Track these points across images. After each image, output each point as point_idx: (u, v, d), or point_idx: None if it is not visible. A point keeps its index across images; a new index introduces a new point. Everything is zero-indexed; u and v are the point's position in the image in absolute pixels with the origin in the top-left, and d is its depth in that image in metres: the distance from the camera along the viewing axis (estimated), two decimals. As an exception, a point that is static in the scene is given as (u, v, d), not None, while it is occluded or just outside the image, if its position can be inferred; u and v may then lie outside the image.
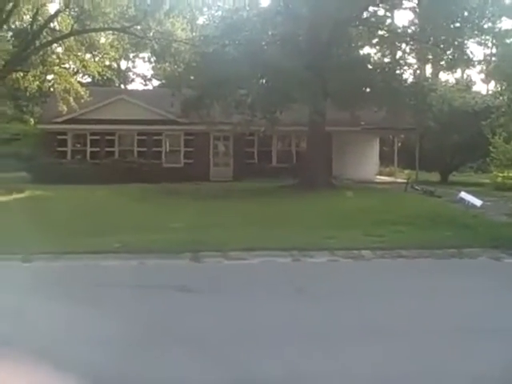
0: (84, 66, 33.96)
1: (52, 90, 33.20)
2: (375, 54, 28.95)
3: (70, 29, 30.39)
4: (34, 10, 30.09)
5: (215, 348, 5.48)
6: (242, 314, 6.63)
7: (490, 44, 31.61)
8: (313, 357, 5.26)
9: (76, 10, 30.27)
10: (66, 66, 35.07)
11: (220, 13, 30.19)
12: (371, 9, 26.65)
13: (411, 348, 5.48)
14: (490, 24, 24.91)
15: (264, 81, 25.32)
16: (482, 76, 43.15)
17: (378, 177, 35.35)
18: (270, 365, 5.03)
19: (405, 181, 27.16)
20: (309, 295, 7.49)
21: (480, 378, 4.80)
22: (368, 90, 25.55)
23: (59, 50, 33.55)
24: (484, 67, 33.54)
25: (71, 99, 30.73)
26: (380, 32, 27.49)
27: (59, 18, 30.91)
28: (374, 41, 28.09)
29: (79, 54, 33.30)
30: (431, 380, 4.85)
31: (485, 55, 31.31)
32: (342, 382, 4.81)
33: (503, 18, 24.80)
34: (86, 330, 5.94)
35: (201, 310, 6.79)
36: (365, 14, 26.63)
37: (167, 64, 34.87)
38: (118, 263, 9.50)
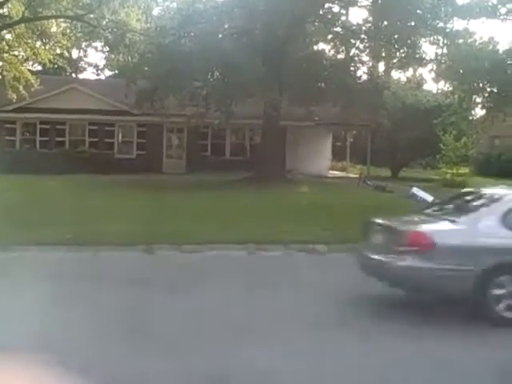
0: (34, 54, 33.09)
1: (0, 77, 32.26)
2: (329, 50, 29.13)
3: (20, 15, 29.57)
4: (-17, -4, 29.22)
5: (158, 340, 5.42)
6: (193, 308, 6.59)
7: (441, 44, 32.16)
8: (252, 352, 5.26)
9: (28, -4, 29.43)
10: (16, 53, 34.12)
11: (176, 4, 29.92)
12: (327, 5, 26.75)
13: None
14: (442, 24, 25.29)
15: (219, 73, 25.18)
16: (433, 75, 43.92)
17: (331, 171, 35.59)
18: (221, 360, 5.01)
19: (357, 176, 27.45)
20: (261, 288, 7.46)
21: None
22: (323, 85, 25.70)
23: (9, 36, 32.62)
24: (435, 66, 34.13)
25: (21, 87, 29.92)
26: (335, 29, 27.65)
27: (10, 4, 30.05)
28: (329, 37, 28.20)
29: (30, 41, 32.46)
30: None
31: (436, 54, 31.80)
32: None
33: (455, 19, 25.18)
34: (36, 322, 5.70)
35: (152, 303, 6.72)
36: (321, 11, 26.73)
37: (121, 54, 34.29)
38: (70, 255, 9.30)
